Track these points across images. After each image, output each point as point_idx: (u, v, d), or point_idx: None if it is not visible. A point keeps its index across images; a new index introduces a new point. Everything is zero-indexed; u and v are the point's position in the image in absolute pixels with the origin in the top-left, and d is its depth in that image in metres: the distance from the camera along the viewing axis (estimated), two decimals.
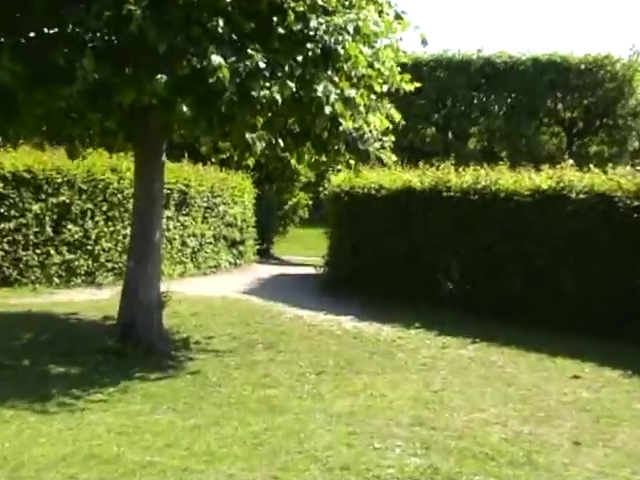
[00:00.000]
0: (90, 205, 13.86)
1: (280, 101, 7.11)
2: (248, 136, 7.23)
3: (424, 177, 13.57)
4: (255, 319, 11.33)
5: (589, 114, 23.82)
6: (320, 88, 7.43)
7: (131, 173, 14.56)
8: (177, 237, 16.00)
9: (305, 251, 32.25)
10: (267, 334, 10.28)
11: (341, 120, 7.89)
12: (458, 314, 12.22)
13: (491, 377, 8.42)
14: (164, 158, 14.54)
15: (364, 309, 12.88)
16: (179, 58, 6.78)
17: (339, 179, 14.98)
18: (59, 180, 13.32)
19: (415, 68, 20.44)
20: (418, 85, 9.42)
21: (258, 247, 20.58)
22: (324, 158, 9.46)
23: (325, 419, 6.58)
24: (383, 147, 9.38)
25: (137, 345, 8.50)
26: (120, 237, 14.35)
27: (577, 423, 6.72)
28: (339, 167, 13.58)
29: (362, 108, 8.20)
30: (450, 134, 23.54)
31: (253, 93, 6.92)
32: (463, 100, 23.38)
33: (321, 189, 16.11)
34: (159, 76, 6.65)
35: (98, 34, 7.01)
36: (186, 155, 17.10)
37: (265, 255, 22.89)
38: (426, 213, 13.15)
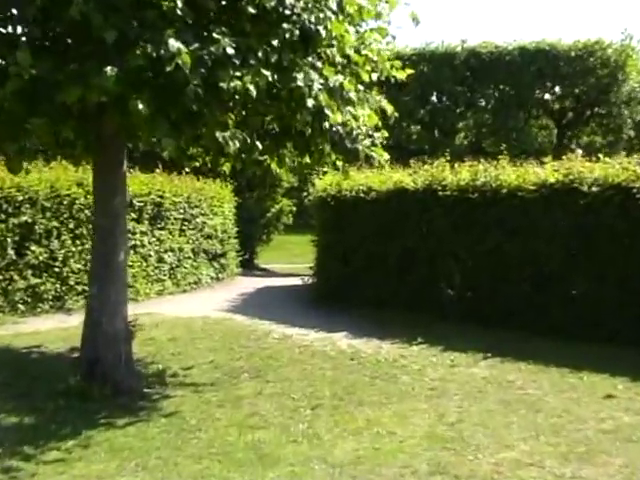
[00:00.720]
0: (55, 223, 12.66)
1: (254, 94, 6.00)
2: (219, 135, 6.09)
3: (417, 176, 12.51)
4: (239, 342, 10.19)
5: (580, 103, 22.87)
6: (300, 77, 6.33)
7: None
8: (153, 253, 14.85)
9: (291, 259, 31.19)
10: (253, 360, 9.15)
11: (327, 112, 6.78)
12: (462, 324, 11.21)
13: (512, 402, 7.34)
14: (128, 167, 13.49)
15: (358, 323, 11.80)
16: (131, 47, 5.66)
17: (325, 182, 13.89)
18: (19, 198, 12.13)
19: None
20: (411, 72, 8.38)
21: (241, 259, 19.41)
22: (308, 160, 8.36)
23: (326, 471, 5.47)
24: (374, 144, 8.31)
25: (103, 384, 7.35)
26: (89, 257, 13.15)
27: (626, 459, 5.65)
28: (325, 169, 12.56)
29: (353, 95, 7.10)
30: (436, 131, 22.49)
31: (222, 85, 5.81)
32: (449, 94, 22.36)
33: (305, 194, 15.01)
34: (108, 69, 5.52)
35: (33, 22, 5.86)
36: (160, 165, 15.98)
37: (249, 266, 21.78)
38: (421, 215, 12.09)
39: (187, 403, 7.28)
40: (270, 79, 6.08)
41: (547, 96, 23.53)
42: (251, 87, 5.96)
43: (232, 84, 5.84)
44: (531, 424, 6.61)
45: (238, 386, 7.97)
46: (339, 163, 8.33)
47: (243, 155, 8.58)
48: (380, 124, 8.15)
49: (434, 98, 22.76)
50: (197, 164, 9.67)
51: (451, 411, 7.04)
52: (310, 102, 6.65)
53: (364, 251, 12.84)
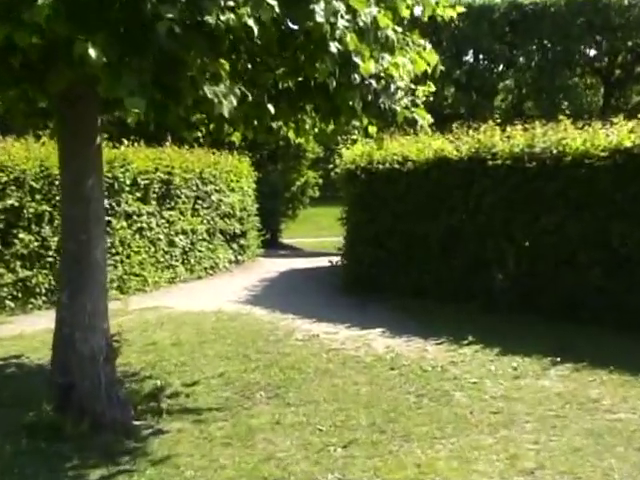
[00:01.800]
0: (46, 207, 11.08)
1: (256, 31, 4.30)
2: (208, 90, 4.37)
3: (460, 143, 10.73)
4: (256, 346, 8.57)
5: (630, 59, 20.75)
6: (319, 9, 4.60)
7: None
8: (162, 237, 13.26)
9: (318, 232, 29.63)
10: (272, 371, 7.52)
11: (357, 60, 5.07)
12: (517, 317, 9.51)
13: (603, 432, 5.64)
14: (131, 140, 11.73)
15: (396, 316, 10.16)
16: None
17: (353, 153, 12.13)
18: (4, 179, 10.56)
19: (429, 19, 17.44)
20: (462, 11, 6.63)
21: (263, 238, 17.77)
22: (332, 126, 6.66)
23: None
24: (415, 104, 6.59)
25: (80, 416, 5.79)
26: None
27: None
28: (354, 136, 10.83)
29: (391, 35, 5.37)
30: (474, 92, 20.55)
31: (208, 19, 4.10)
32: (487, 52, 20.38)
33: (331, 166, 13.30)
34: None
35: None
36: (169, 137, 14.36)
37: (272, 245, 20.14)
38: (467, 189, 10.34)
39: (185, 441, 5.68)
40: (277, 11, 4.34)
41: (593, 52, 21.47)
42: (251, 22, 4.25)
43: (223, 18, 4.13)
44: (636, 468, 4.93)
45: (251, 411, 6.35)
46: (372, 129, 6.60)
47: (254, 122, 7.01)
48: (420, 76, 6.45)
49: (470, 57, 20.80)
50: (199, 134, 7.98)
51: (525, 449, 5.37)
52: (334, 46, 4.94)
53: (400, 231, 11.13)
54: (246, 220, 16.47)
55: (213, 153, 15.54)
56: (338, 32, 4.93)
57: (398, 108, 6.28)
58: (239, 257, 16.09)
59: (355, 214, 11.90)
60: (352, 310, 10.75)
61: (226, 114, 4.36)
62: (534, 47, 19.93)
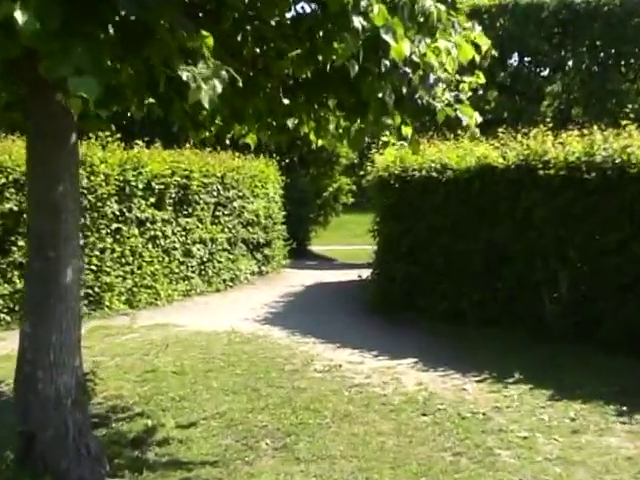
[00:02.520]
0: None
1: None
2: (182, 71, 3.25)
3: (507, 150, 9.54)
4: (269, 378, 7.46)
5: None
6: None
7: (107, 166, 10.92)
8: (178, 245, 12.25)
9: (351, 240, 28.55)
10: (283, 412, 6.39)
11: (387, 39, 3.96)
12: (572, 350, 8.28)
13: None
14: (146, 141, 10.89)
15: (431, 344, 9.00)
16: None
17: (386, 159, 10.98)
18: (2, 181, 9.64)
19: (473, 17, 16.24)
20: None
21: (290, 247, 16.67)
22: (359, 124, 5.54)
23: None
24: (459, 100, 5.47)
25: (42, 473, 4.75)
26: (94, 252, 10.65)
27: None
28: (385, 138, 9.72)
29: (432, 8, 4.26)
30: (517, 96, 19.26)
31: None
32: (533, 54, 19.09)
33: (362, 172, 12.15)
34: None
35: None
36: (191, 141, 13.37)
37: (300, 254, 19.02)
38: (514, 201, 9.16)
39: None
40: None
41: None
42: None
43: None
44: None
45: (253, 467, 5.24)
46: (406, 130, 5.46)
47: (267, 119, 5.99)
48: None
49: (515, 58, 19.53)
50: (206, 134, 6.91)
51: None
52: (357, 21, 3.84)
53: (437, 246, 9.96)
54: (271, 228, 15.42)
55: (238, 157, 14.52)
56: (363, 3, 3.83)
57: (438, 105, 5.17)
58: (263, 268, 15.04)
59: (387, 226, 10.74)
60: (381, 334, 9.62)
61: (206, 103, 3.25)
62: (584, 49, 18.57)
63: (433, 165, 10.02)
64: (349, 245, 27.63)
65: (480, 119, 5.59)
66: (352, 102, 5.05)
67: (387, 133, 6.41)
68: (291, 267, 16.48)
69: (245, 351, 8.57)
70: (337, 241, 27.29)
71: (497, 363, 7.90)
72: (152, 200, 11.67)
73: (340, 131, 5.73)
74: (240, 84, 4.01)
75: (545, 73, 19.76)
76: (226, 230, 13.53)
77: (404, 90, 4.77)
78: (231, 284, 13.57)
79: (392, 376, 7.57)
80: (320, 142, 6.61)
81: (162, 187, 11.84)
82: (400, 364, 8.09)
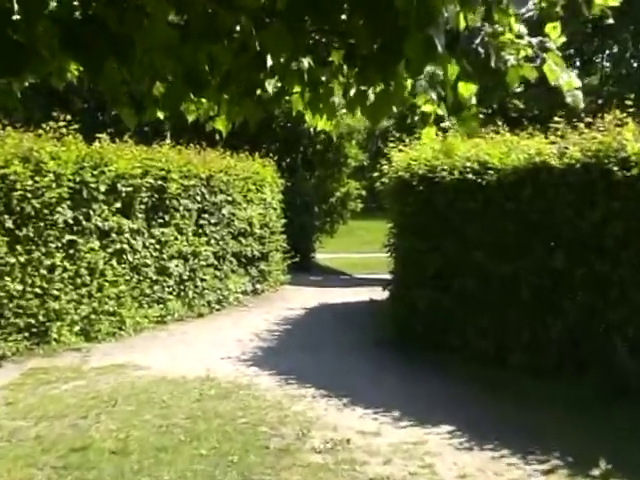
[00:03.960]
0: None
1: None
2: None
3: (566, 144, 7.29)
4: (246, 463, 5.19)
5: None
6: None
7: (58, 163, 8.77)
8: (150, 261, 10.04)
9: (361, 247, 26.76)
10: None
11: None
12: None
13: None
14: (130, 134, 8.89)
15: (470, 399, 6.75)
16: None
17: (408, 156, 8.74)
18: None
19: None
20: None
21: (290, 261, 14.44)
22: (379, 88, 3.31)
23: None
24: (545, 48, 3.33)
25: None
26: (40, 271, 8.45)
27: None
28: (409, 122, 7.51)
29: None
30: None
31: None
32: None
33: (376, 173, 9.94)
34: None
35: None
36: (169, 134, 11.25)
37: (304, 267, 16.75)
38: (578, 212, 6.91)
39: None
40: None
41: None
42: None
43: None
44: None
45: None
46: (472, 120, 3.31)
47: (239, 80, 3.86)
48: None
49: None
50: (158, 115, 4.71)
51: None
52: None
53: (473, 269, 7.72)
54: (268, 239, 13.22)
55: (230, 155, 12.34)
56: None
57: (510, 57, 3.05)
58: (257, 286, 12.83)
59: (408, 240, 8.48)
60: (400, 381, 7.39)
61: None
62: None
63: (469, 164, 7.79)
64: (358, 253, 25.75)
65: (578, 82, 3.44)
66: (371, 43, 2.86)
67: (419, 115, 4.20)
68: (292, 283, 14.25)
69: (219, 413, 6.32)
70: (345, 249, 25.29)
71: (569, 438, 5.66)
72: (117, 206, 9.49)
73: (350, 97, 3.52)
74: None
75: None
76: (212, 242, 11.32)
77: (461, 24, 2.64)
78: (218, 307, 11.34)
79: (422, 460, 5.32)
80: (321, 124, 4.41)
81: (130, 190, 9.64)
82: (431, 435, 5.85)
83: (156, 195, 10.15)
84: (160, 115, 4.66)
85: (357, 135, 21.65)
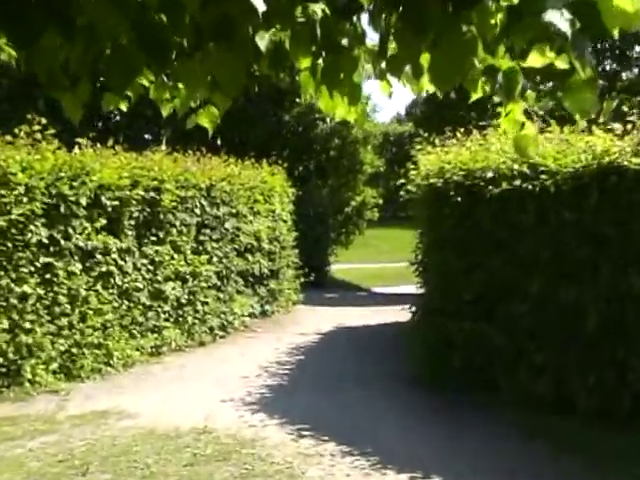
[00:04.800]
0: None
1: None
2: None
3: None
4: None
5: None
6: None
7: (29, 175, 7.53)
8: (142, 285, 8.75)
9: (377, 256, 25.72)
10: None
11: None
12: None
13: None
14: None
15: (523, 455, 5.41)
16: None
17: (439, 159, 7.40)
18: None
19: None
20: None
21: (304, 279, 13.12)
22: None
23: None
24: None
25: None
26: (10, 300, 7.17)
27: None
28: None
29: None
30: None
31: None
32: None
33: (400, 181, 8.60)
34: None
35: None
36: (164, 140, 10.02)
37: (318, 282, 15.43)
38: None
39: None
40: None
41: None
42: None
43: None
44: None
45: None
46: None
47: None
48: None
49: None
50: (119, 105, 3.42)
51: None
52: None
53: (525, 294, 6.35)
54: (278, 255, 11.93)
55: (235, 163, 11.09)
56: None
57: None
58: (267, 307, 11.54)
59: (442, 257, 7.11)
60: (439, 434, 6.04)
61: None
62: None
63: (517, 167, 6.44)
64: (374, 263, 24.74)
65: None
66: None
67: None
68: (305, 303, 12.94)
69: None
70: (360, 259, 24.10)
71: None
72: (102, 222, 8.21)
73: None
74: None
75: None
76: (214, 260, 10.04)
77: None
78: (222, 333, 10.04)
79: None
80: (340, 111, 3.12)
81: (118, 204, 8.36)
82: None
83: (148, 209, 8.87)
84: (123, 106, 3.43)
85: (373, 140, 20.37)
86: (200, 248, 9.80)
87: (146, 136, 16.74)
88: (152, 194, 8.88)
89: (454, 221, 6.78)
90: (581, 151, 6.14)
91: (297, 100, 17.13)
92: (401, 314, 9.80)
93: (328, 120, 17.33)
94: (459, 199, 6.65)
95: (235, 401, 7.00)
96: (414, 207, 8.44)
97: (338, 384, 7.55)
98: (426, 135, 8.38)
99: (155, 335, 8.86)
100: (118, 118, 17.99)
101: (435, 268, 7.29)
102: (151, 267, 8.89)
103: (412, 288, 16.46)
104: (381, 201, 21.24)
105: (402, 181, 8.43)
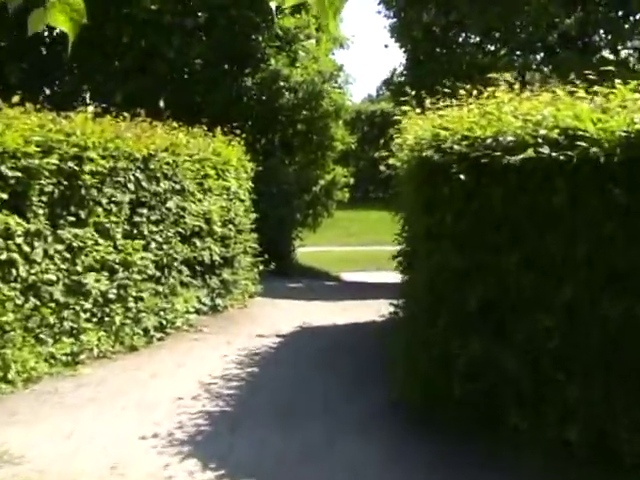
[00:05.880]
0: None
1: None
2: None
3: None
4: None
5: None
6: None
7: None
8: (55, 276, 6.95)
9: (346, 239, 24.33)
10: None
11: None
12: None
13: None
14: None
15: None
16: None
17: (432, 125, 5.65)
18: None
19: None
20: None
21: (264, 268, 11.37)
22: None
23: None
24: None
25: None
26: None
27: None
28: None
29: None
30: None
31: None
32: None
33: (379, 153, 6.91)
34: None
35: None
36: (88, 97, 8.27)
37: (282, 269, 13.64)
38: None
39: None
40: None
41: None
42: None
43: None
44: None
45: None
46: None
47: None
48: None
49: None
50: None
51: None
52: None
53: (555, 304, 4.67)
54: (233, 239, 10.18)
55: (184, 129, 9.32)
56: None
57: None
58: (218, 302, 9.77)
59: (438, 254, 5.38)
60: None
61: None
62: None
63: (542, 132, 4.74)
64: (343, 246, 23.47)
65: None
66: None
67: None
68: (265, 294, 11.20)
69: None
70: (328, 241, 22.72)
71: None
72: (2, 197, 6.39)
73: None
74: None
75: None
76: (152, 247, 8.26)
77: None
78: (160, 335, 8.26)
79: None
80: None
81: (24, 176, 6.55)
82: None
83: (65, 182, 7.05)
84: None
85: (344, 114, 18.62)
86: (134, 231, 8.01)
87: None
88: (71, 164, 7.06)
89: (456, 205, 5.06)
90: (623, 113, 4.47)
91: (261, 65, 15.33)
92: (377, 309, 8.23)
93: (297, 88, 15.54)
94: (462, 176, 4.93)
95: (160, 438, 5.27)
96: (398, 186, 6.73)
97: (299, 413, 5.84)
98: (413, 94, 6.65)
99: (71, 340, 7.07)
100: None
101: (427, 265, 5.57)
102: (68, 255, 7.09)
103: (386, 275, 14.83)
104: (352, 180, 19.51)
105: (383, 153, 6.70)
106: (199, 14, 14.74)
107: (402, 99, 7.15)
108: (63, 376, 6.72)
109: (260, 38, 15.14)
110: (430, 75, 12.82)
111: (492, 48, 14.44)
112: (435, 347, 5.34)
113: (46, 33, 16.47)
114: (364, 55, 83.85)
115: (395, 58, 77.34)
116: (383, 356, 6.96)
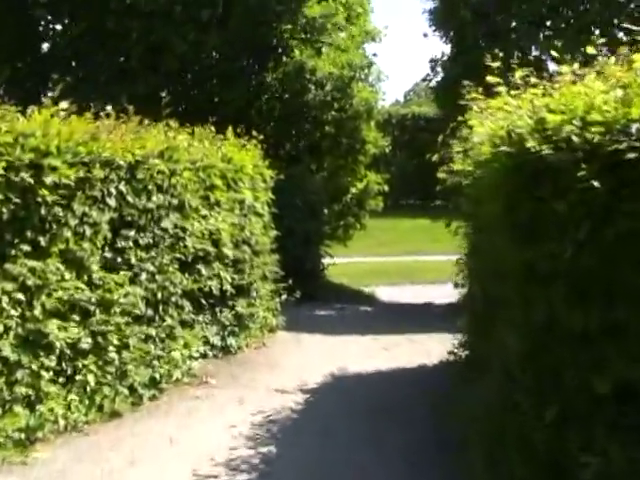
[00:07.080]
0: None
1: None
2: None
3: None
4: None
5: None
6: None
7: None
8: (1, 327, 5.16)
9: (376, 249, 22.99)
10: None
11: None
12: None
13: None
14: None
15: None
16: None
17: (525, 106, 3.79)
18: None
19: None
20: None
21: (287, 296, 9.51)
22: None
23: None
24: None
25: None
26: None
27: None
28: None
29: None
30: None
31: None
32: None
33: (438, 154, 5.09)
34: None
35: None
36: (58, 89, 6.49)
37: (308, 295, 11.59)
38: None
39: None
40: None
41: None
42: None
43: None
44: None
45: None
46: None
47: None
48: None
49: None
50: None
51: None
52: None
53: None
54: (249, 263, 8.35)
55: (188, 129, 7.56)
56: None
57: None
58: (231, 341, 7.95)
59: (549, 301, 3.43)
60: None
61: None
62: None
63: None
64: (374, 256, 21.93)
65: None
66: None
67: None
68: (288, 327, 9.35)
69: None
70: (358, 251, 21.12)
71: None
72: None
73: None
74: None
75: None
76: (142, 278, 6.44)
77: None
78: (151, 393, 6.44)
79: None
80: None
81: None
82: None
83: (18, 199, 5.27)
84: None
85: (377, 115, 16.78)
86: (118, 260, 6.21)
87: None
88: (24, 175, 5.28)
89: (580, 229, 3.17)
90: None
91: (284, 59, 13.54)
92: (426, 348, 6.39)
93: (324, 83, 13.69)
94: (596, 183, 3.04)
95: None
96: (466, 198, 4.88)
97: None
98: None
99: (27, 411, 5.28)
100: None
101: (525, 320, 3.66)
102: (22, 296, 5.29)
103: (422, 291, 12.80)
104: (386, 188, 17.65)
105: (448, 152, 4.84)
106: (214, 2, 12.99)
107: (465, 83, 5.31)
108: (9, 464, 4.92)
109: (283, 28, 13.36)
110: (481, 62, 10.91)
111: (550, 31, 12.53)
112: (539, 445, 3.46)
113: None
114: (390, 60, 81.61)
115: (422, 66, 74.73)
116: (442, 427, 5.08)
